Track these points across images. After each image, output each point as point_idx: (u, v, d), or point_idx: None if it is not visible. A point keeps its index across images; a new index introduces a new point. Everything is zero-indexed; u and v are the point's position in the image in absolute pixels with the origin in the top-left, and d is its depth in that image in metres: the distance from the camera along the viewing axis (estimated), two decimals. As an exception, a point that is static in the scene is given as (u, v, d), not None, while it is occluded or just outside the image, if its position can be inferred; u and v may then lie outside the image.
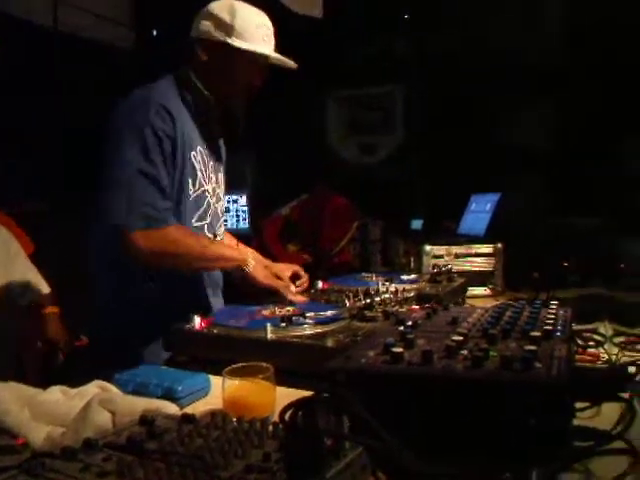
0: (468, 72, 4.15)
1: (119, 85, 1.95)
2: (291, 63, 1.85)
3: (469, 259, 2.32)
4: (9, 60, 3.50)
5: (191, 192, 1.76)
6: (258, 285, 1.76)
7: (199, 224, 1.81)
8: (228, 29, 1.73)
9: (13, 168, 3.55)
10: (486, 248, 2.33)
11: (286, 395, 0.89)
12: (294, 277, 1.90)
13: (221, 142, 1.97)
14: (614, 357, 1.33)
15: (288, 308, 1.54)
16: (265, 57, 1.80)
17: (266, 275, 1.78)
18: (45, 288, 2.26)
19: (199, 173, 1.78)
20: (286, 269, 1.91)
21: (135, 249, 1.58)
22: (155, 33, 4.63)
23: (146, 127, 1.62)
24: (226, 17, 1.73)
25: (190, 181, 1.75)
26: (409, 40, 4.61)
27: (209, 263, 1.78)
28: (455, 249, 2.32)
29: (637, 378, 1.09)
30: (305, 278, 1.93)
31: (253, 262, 1.77)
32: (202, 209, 1.81)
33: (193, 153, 1.76)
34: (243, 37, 1.73)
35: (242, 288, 1.83)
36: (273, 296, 1.73)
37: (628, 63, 3.56)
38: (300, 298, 1.71)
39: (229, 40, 1.73)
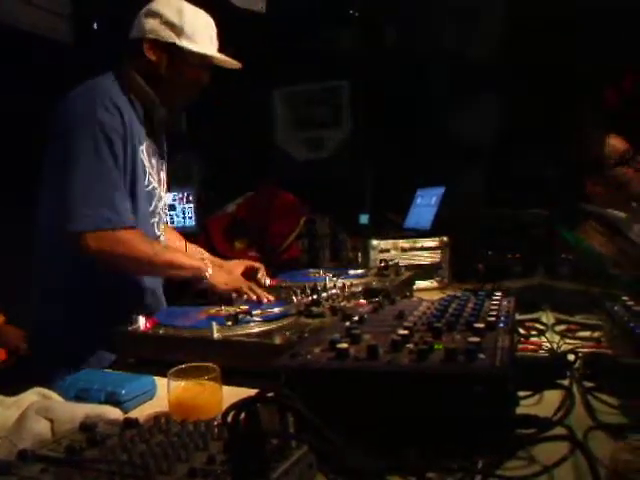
0: (413, 67, 4.19)
1: (57, 81, 1.88)
2: (235, 63, 1.84)
3: (416, 253, 2.35)
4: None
5: (143, 188, 1.73)
6: (220, 292, 1.70)
7: (152, 221, 1.79)
8: (176, 30, 1.71)
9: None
10: (432, 241, 2.36)
11: (234, 394, 0.88)
12: (249, 273, 1.88)
13: (163, 140, 1.94)
14: (555, 345, 1.37)
15: (235, 307, 1.52)
16: (211, 58, 1.78)
17: (226, 281, 1.73)
18: None
19: (147, 170, 1.76)
20: (238, 266, 1.88)
21: (85, 250, 1.55)
22: (95, 27, 4.51)
23: (95, 126, 1.58)
24: (174, 17, 1.72)
25: (141, 177, 1.72)
26: (355, 35, 4.63)
27: (162, 270, 1.72)
28: (402, 243, 2.34)
29: (576, 365, 1.12)
30: (262, 270, 1.92)
31: (211, 269, 1.71)
32: (153, 205, 1.80)
33: (142, 148, 1.73)
34: (192, 39, 1.72)
35: (201, 294, 1.77)
36: (234, 299, 1.66)
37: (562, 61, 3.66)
38: (269, 296, 1.66)
39: (178, 42, 1.71)
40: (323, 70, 4.67)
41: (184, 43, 1.71)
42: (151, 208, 1.79)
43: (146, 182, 1.75)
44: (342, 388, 0.84)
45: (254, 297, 1.65)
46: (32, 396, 1.08)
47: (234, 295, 1.66)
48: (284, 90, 5.00)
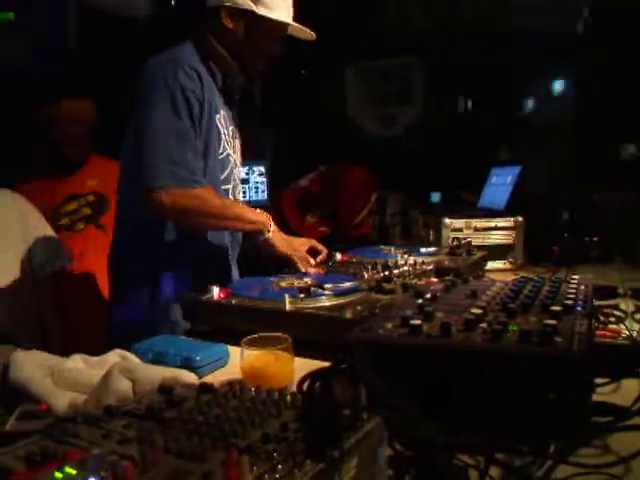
0: (489, 41, 4.06)
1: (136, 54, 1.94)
2: (310, 33, 1.86)
3: (489, 232, 2.30)
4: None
5: (217, 155, 1.79)
6: (276, 252, 1.76)
7: (224, 187, 1.85)
8: None
9: None
10: (506, 222, 2.30)
11: (304, 366, 0.90)
12: (312, 252, 1.91)
13: (237, 111, 1.98)
14: (635, 333, 1.31)
15: (306, 280, 1.54)
16: (286, 26, 1.81)
17: (284, 245, 1.78)
18: (65, 258, 2.28)
19: (223, 137, 1.81)
20: (304, 243, 1.91)
21: (157, 205, 1.62)
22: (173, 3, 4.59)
23: (175, 87, 1.64)
24: None
25: (216, 144, 1.78)
26: (428, 10, 4.53)
27: (230, 222, 1.78)
28: (475, 222, 2.30)
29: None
30: (324, 253, 1.94)
31: (273, 228, 1.77)
32: (227, 172, 1.85)
33: (218, 116, 1.78)
34: (268, 6, 1.75)
35: (259, 256, 1.84)
36: (288, 267, 1.75)
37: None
38: (315, 270, 1.71)
39: (255, 8, 1.74)
40: (396, 46, 4.59)
41: (261, 11, 1.74)
42: (224, 175, 1.84)
43: (220, 149, 1.80)
44: (413, 365, 0.84)
45: (302, 270, 1.72)
46: (114, 357, 1.14)
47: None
48: (357, 66, 4.95)
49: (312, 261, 1.81)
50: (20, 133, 2.84)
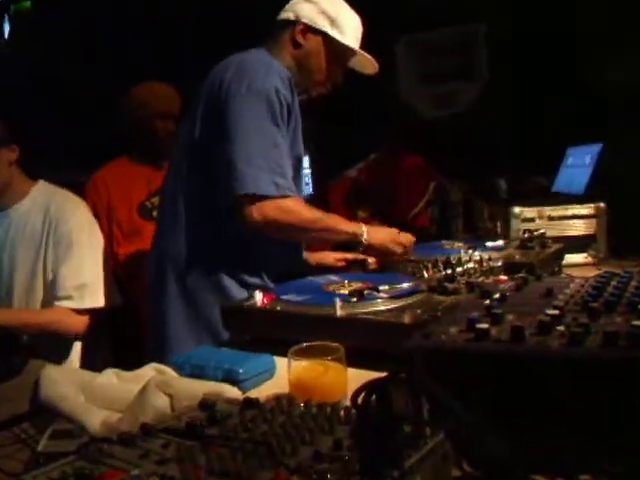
0: (559, 5, 3.98)
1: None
2: (374, 65, 2.08)
3: (566, 222, 2.27)
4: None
5: (303, 166, 2.00)
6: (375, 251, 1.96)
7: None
8: (332, 20, 1.92)
9: None
10: (586, 209, 2.27)
11: (358, 377, 0.90)
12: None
13: None
14: None
15: (359, 281, 1.54)
16: (352, 54, 2.00)
17: (382, 240, 1.92)
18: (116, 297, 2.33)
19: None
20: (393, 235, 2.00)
21: (249, 216, 1.73)
22: None
23: (272, 91, 1.75)
24: (330, 8, 1.93)
25: (302, 155, 1.96)
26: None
27: (322, 233, 1.91)
28: (549, 211, 2.27)
29: None
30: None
31: (366, 232, 1.89)
32: (300, 174, 2.01)
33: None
34: (342, 32, 1.93)
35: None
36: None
37: None
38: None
39: (330, 31, 1.92)
40: (454, 13, 4.53)
41: (335, 34, 1.92)
42: (299, 174, 1.99)
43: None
44: (481, 373, 0.83)
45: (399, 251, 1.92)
46: (149, 371, 1.17)
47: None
48: (409, 37, 4.91)
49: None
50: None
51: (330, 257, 2.22)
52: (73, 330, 2.17)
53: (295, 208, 1.78)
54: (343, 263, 2.18)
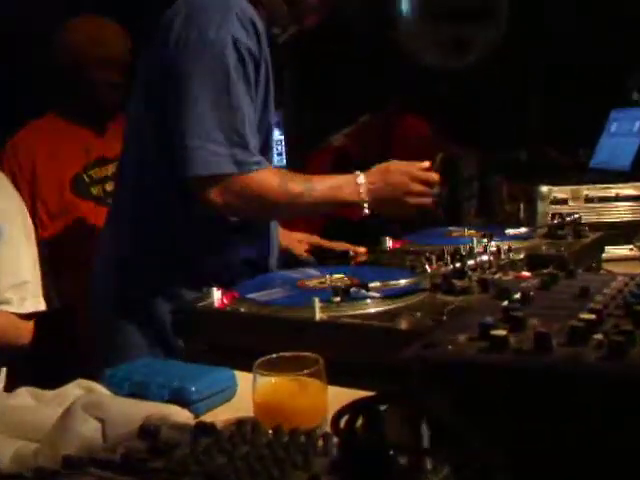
0: None
1: None
2: None
3: (607, 204, 2.29)
4: None
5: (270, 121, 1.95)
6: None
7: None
8: None
9: None
10: (633, 188, 2.28)
11: (341, 396, 0.90)
12: None
13: None
14: None
15: (343, 276, 1.55)
16: None
17: (390, 210, 1.98)
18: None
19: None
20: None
21: (209, 200, 1.75)
22: None
23: (228, 42, 1.73)
24: None
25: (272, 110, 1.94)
26: None
27: (311, 210, 2.01)
28: (586, 190, 2.29)
29: None
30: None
31: (366, 198, 1.87)
32: (270, 138, 2.02)
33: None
34: None
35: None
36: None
37: None
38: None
39: None
40: None
41: None
42: (269, 142, 1.99)
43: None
44: (497, 392, 0.84)
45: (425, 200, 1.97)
46: (75, 390, 1.17)
47: None
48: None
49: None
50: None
51: (298, 245, 2.26)
52: (19, 342, 2.13)
53: (264, 183, 1.79)
54: (307, 255, 2.23)
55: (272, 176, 1.82)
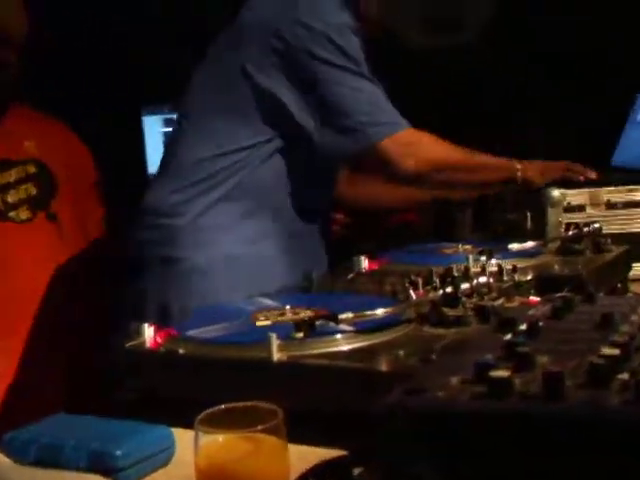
0: None
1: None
2: None
3: (633, 211, 2.30)
4: None
5: None
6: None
7: None
8: None
9: None
10: (664, 192, 2.31)
11: (306, 457, 0.90)
12: None
13: None
14: None
15: (306, 307, 1.55)
16: None
17: (541, 170, 2.36)
18: None
19: None
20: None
21: (406, 165, 2.29)
22: None
23: (346, 26, 2.36)
24: None
25: None
26: None
27: (479, 175, 2.44)
28: (606, 194, 2.31)
29: None
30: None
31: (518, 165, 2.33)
32: None
33: None
34: None
35: None
36: None
37: None
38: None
39: None
40: None
41: None
42: None
43: None
44: (498, 447, 0.84)
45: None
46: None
47: None
48: None
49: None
50: None
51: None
52: None
53: (435, 142, 2.40)
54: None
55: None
